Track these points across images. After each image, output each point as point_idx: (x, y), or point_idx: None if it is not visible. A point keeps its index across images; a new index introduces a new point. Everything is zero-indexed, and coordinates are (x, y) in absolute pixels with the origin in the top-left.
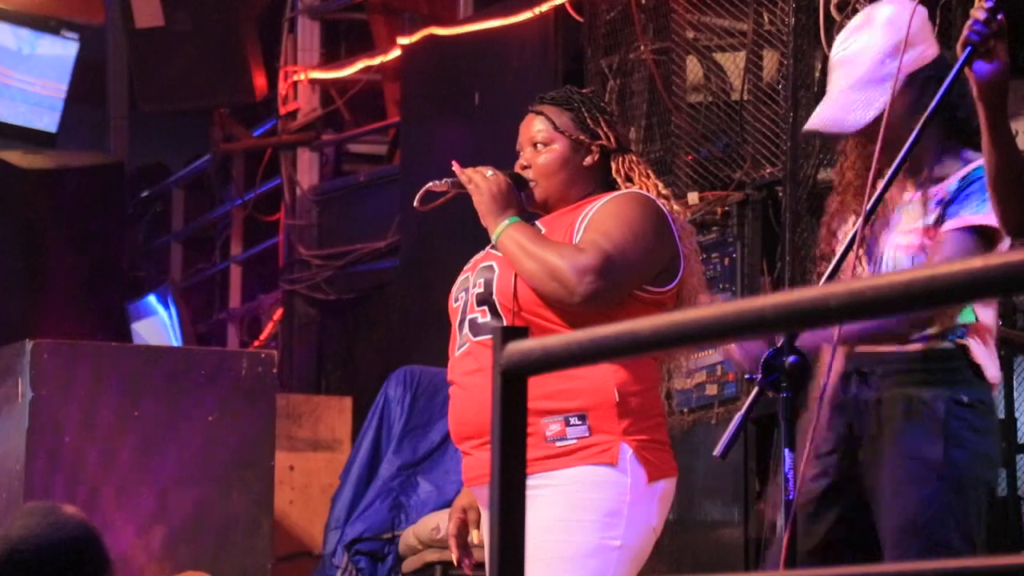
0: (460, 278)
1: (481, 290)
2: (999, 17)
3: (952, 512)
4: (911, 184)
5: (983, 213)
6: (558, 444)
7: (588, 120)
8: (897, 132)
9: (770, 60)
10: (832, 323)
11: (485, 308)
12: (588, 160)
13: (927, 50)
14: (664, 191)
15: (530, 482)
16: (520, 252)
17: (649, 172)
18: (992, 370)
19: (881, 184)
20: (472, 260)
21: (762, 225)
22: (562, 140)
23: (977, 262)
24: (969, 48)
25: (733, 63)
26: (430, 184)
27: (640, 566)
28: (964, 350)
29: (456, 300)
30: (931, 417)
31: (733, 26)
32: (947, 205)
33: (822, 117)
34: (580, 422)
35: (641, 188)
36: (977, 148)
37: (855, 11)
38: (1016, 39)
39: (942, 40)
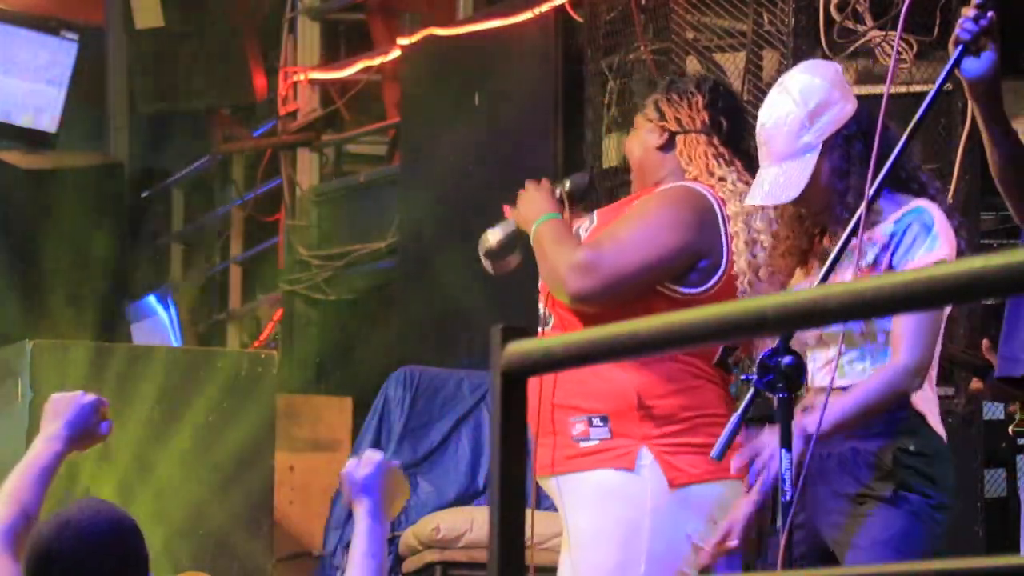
0: None
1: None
2: (989, 15)
3: (899, 536)
4: (843, 231)
5: (935, 250)
6: (582, 444)
7: (661, 102)
8: (827, 196)
9: (770, 60)
10: (832, 323)
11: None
12: (658, 141)
13: (844, 108)
14: (720, 171)
15: (557, 480)
16: (538, 252)
17: (707, 153)
18: (933, 418)
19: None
20: None
21: None
22: (640, 122)
23: (977, 262)
24: (960, 47)
25: (733, 63)
26: (489, 241)
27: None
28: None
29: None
30: (880, 468)
31: (733, 26)
32: (891, 253)
33: (757, 195)
34: (602, 424)
35: (699, 171)
36: (907, 192)
37: (855, 12)
38: (1015, 40)
39: (942, 40)
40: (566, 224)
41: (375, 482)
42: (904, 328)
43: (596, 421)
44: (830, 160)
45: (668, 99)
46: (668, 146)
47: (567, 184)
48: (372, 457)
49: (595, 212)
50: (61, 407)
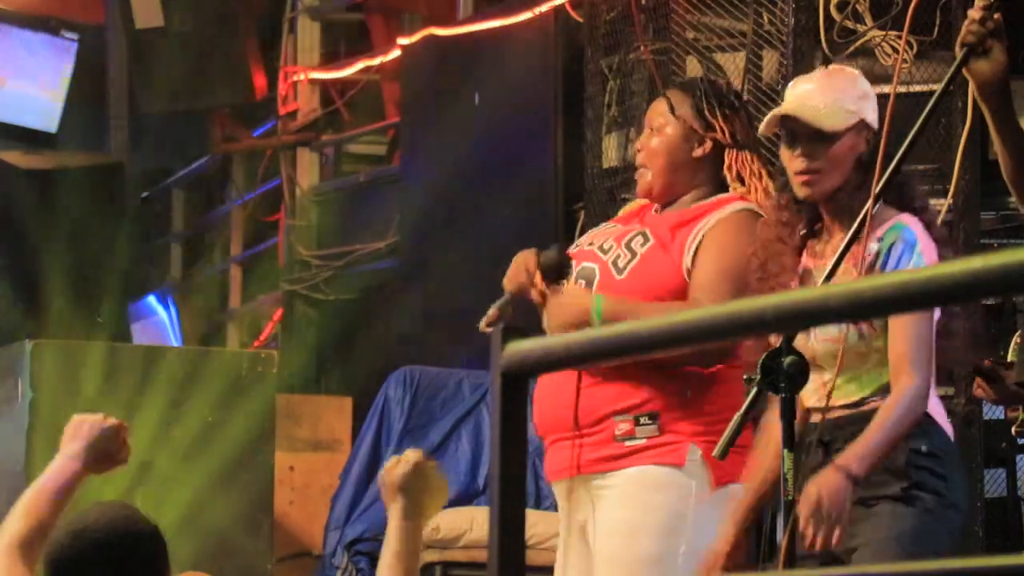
0: (586, 247)
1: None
2: (995, 17)
3: (910, 534)
4: (841, 233)
5: (921, 268)
6: (627, 443)
7: (705, 109)
8: (836, 170)
9: (770, 60)
10: (832, 323)
11: None
12: (698, 151)
13: (875, 113)
14: (774, 194)
15: (598, 480)
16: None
17: (762, 172)
18: (941, 419)
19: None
20: (592, 235)
21: None
22: (675, 125)
23: (976, 262)
24: (967, 48)
25: (733, 63)
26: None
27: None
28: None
29: (577, 280)
30: (892, 470)
31: (733, 26)
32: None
33: (798, 104)
34: (651, 421)
35: (751, 190)
36: (894, 205)
37: (855, 12)
38: (1017, 39)
39: (942, 40)
40: (618, 295)
41: (409, 481)
42: (904, 348)
43: (644, 419)
44: (856, 144)
45: (721, 112)
46: (710, 156)
47: (541, 261)
48: (409, 456)
49: (646, 228)
50: (83, 429)
